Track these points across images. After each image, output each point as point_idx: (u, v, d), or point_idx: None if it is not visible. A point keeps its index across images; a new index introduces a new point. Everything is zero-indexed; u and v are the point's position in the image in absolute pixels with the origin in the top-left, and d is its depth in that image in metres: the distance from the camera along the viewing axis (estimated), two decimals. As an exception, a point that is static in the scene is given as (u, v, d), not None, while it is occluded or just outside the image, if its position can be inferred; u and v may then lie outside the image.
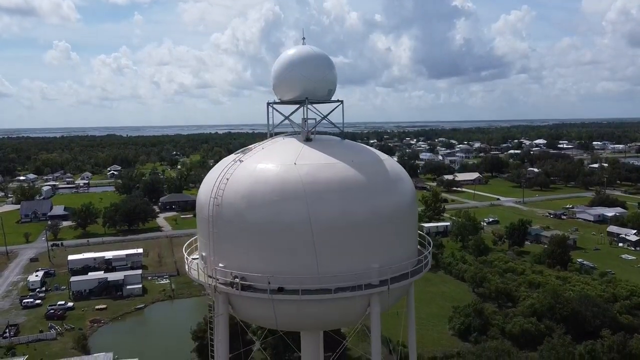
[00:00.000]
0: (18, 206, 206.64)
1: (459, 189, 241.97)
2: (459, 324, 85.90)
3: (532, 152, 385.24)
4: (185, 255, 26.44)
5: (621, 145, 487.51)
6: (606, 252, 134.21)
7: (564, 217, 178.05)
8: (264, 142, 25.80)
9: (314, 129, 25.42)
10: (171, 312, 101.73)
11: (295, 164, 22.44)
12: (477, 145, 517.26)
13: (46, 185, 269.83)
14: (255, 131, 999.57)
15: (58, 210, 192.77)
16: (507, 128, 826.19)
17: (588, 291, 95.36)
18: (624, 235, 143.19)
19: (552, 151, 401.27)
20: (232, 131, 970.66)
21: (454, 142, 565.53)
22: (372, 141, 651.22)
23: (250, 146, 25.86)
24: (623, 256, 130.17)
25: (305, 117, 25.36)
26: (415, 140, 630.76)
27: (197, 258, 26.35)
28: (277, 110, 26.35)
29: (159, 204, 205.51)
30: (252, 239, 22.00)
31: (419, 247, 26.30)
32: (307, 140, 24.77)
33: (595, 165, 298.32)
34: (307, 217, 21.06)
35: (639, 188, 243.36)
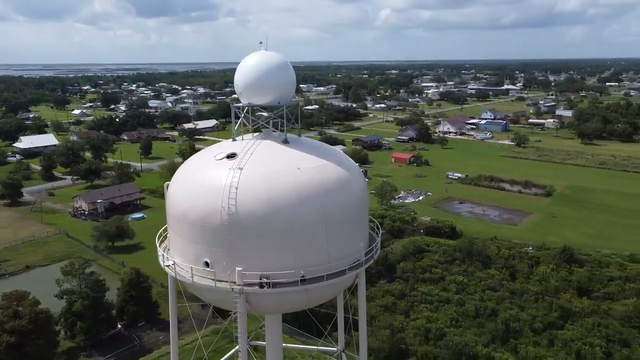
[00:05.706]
0: None
1: (201, 137, 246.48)
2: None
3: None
4: (163, 262, 25.84)
5: (322, 88, 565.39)
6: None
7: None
8: (239, 145, 26.62)
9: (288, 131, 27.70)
10: None
11: (298, 168, 25.01)
12: (201, 90, 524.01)
13: None
14: None
15: None
16: (223, 71, 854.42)
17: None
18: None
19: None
20: None
21: (176, 87, 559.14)
22: (85, 87, 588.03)
23: (222, 148, 26.67)
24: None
25: (284, 120, 27.33)
26: (135, 86, 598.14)
27: (169, 265, 26.40)
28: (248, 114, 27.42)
29: None
30: (275, 241, 24.19)
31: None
32: (285, 142, 26.98)
33: (310, 107, 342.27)
34: (323, 215, 24.47)
35: (347, 126, 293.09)
